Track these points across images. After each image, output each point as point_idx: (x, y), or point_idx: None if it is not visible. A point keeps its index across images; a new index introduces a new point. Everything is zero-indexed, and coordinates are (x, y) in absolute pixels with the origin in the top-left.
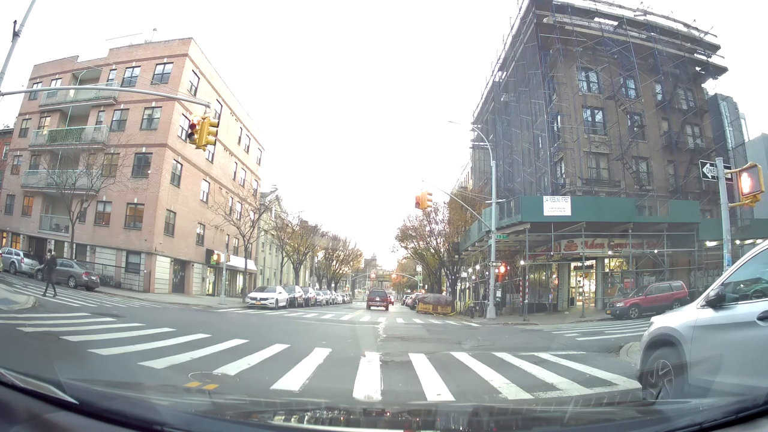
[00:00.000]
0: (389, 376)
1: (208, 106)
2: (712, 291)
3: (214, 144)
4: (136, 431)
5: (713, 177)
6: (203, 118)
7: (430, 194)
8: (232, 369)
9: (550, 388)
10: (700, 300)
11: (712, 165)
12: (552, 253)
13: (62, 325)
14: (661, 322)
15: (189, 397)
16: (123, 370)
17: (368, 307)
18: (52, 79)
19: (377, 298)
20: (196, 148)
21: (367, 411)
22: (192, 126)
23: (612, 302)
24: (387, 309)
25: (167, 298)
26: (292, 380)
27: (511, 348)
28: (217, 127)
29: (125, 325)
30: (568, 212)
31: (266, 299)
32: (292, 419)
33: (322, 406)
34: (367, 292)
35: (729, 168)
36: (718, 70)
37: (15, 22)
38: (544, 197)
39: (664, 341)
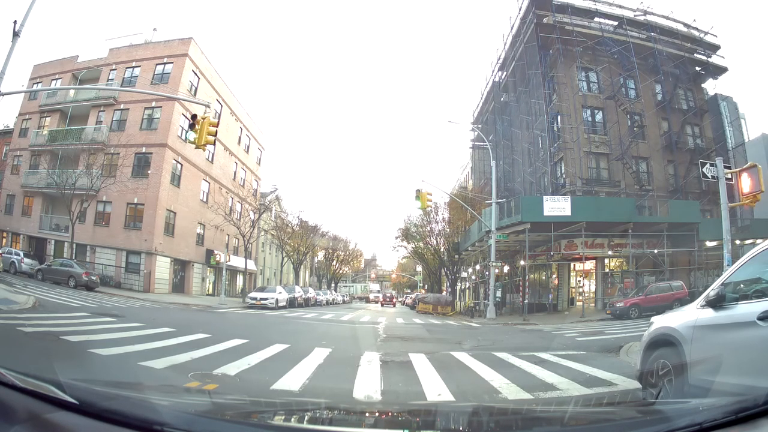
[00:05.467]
0: (389, 376)
1: (208, 106)
2: (712, 291)
3: (214, 144)
4: (136, 431)
5: (713, 177)
6: (203, 118)
7: (430, 194)
8: (232, 369)
9: (550, 388)
10: (700, 300)
11: (712, 165)
12: (552, 253)
13: (62, 325)
14: (661, 322)
15: (189, 397)
16: (123, 370)
17: (381, 304)
18: (52, 79)
19: (386, 299)
20: (196, 147)
21: (367, 411)
22: (193, 117)
23: (612, 302)
24: (394, 306)
25: (167, 298)
26: (293, 380)
27: (510, 348)
28: (217, 126)
29: (125, 325)
30: (568, 212)
31: (266, 299)
32: (292, 419)
33: (322, 406)
34: (368, 293)
35: (729, 168)
36: (718, 70)
37: (15, 22)
38: (544, 197)
39: (664, 341)
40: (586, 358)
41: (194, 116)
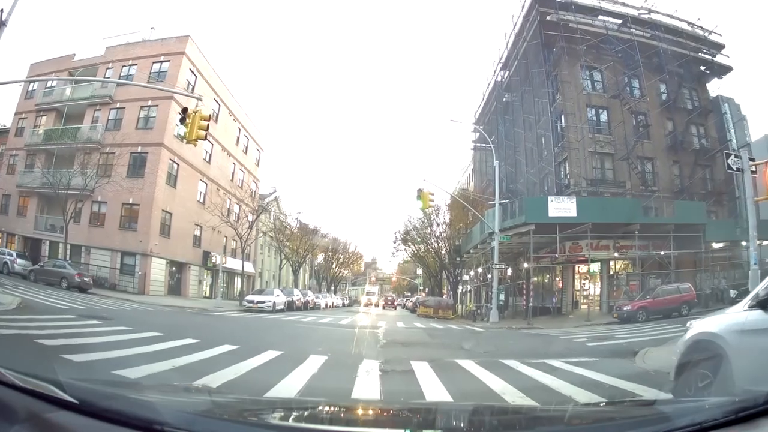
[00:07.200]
0: (390, 388)
1: (200, 99)
2: (762, 290)
3: (205, 138)
4: (136, 431)
5: (738, 169)
6: (194, 111)
7: (432, 194)
8: (215, 379)
9: (569, 402)
10: (747, 301)
11: (737, 157)
12: (557, 255)
13: (43, 328)
14: (700, 327)
15: (189, 396)
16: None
17: (383, 307)
18: (49, 78)
19: (387, 302)
20: (187, 142)
21: (367, 409)
22: (184, 110)
23: (618, 305)
24: (395, 308)
25: (162, 300)
26: (281, 393)
27: (518, 354)
28: (209, 120)
29: (110, 328)
30: (573, 213)
31: (263, 302)
32: (292, 418)
33: (322, 404)
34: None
35: (753, 160)
36: (723, 70)
37: (2, 10)
38: (549, 197)
39: (705, 348)
40: (600, 365)
41: (185, 109)
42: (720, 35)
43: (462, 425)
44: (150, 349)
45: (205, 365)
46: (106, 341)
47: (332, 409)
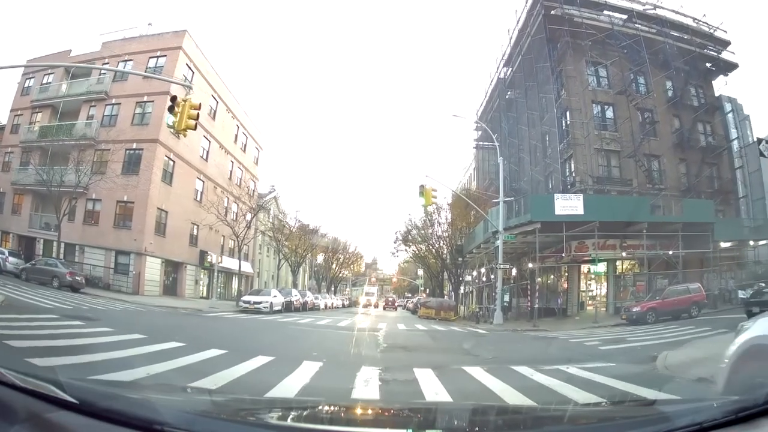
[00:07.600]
0: (390, 401)
1: (191, 88)
2: None
3: (195, 128)
4: (137, 431)
5: None
6: (183, 100)
7: (435, 190)
8: None
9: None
10: None
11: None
12: (562, 255)
13: (17, 328)
14: (759, 329)
15: (189, 396)
16: None
17: (384, 308)
18: (45, 74)
19: (388, 303)
20: (176, 132)
21: (367, 409)
22: (173, 98)
23: (627, 306)
24: (395, 309)
25: (156, 300)
26: None
27: (529, 360)
28: (199, 109)
29: (92, 330)
30: (580, 211)
31: (260, 303)
32: (292, 418)
33: (322, 404)
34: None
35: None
36: (729, 66)
37: None
38: (556, 195)
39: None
40: (619, 372)
41: (174, 98)
42: (725, 32)
43: (462, 425)
44: (128, 353)
45: (186, 372)
46: (81, 344)
47: (332, 409)
